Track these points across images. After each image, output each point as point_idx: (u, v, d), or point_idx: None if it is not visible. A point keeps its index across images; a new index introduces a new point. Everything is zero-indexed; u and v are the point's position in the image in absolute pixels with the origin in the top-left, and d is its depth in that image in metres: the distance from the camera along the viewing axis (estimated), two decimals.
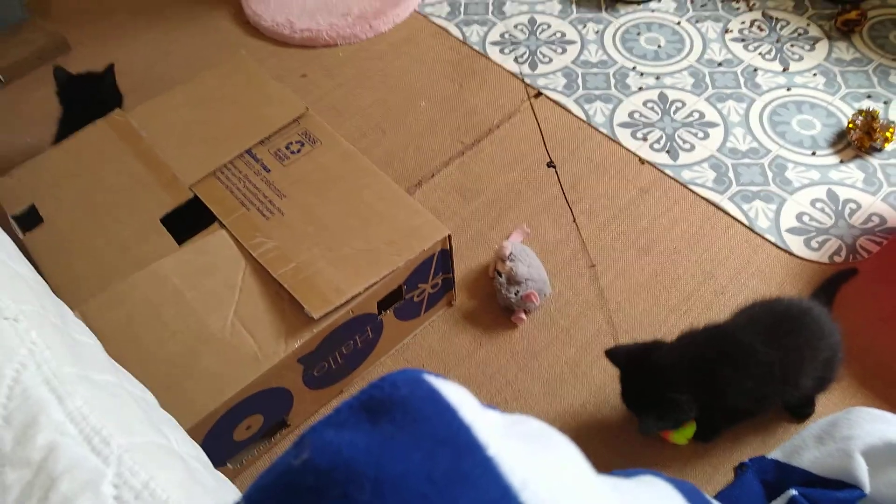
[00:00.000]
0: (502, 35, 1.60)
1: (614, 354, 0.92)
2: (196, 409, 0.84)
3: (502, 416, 0.34)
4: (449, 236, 1.01)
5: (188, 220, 1.06)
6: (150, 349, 0.90)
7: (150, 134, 1.17)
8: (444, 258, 1.04)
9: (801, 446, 0.89)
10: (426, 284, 1.05)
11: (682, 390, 0.85)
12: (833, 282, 1.07)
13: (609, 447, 0.98)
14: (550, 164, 1.18)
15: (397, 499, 0.27)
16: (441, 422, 0.31)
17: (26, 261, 0.70)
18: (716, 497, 0.90)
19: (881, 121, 1.26)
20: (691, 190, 1.26)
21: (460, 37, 1.60)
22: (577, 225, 1.18)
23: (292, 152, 1.12)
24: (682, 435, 0.94)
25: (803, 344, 0.88)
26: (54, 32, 1.65)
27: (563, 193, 1.22)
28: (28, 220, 1.07)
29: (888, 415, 0.85)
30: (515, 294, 1.07)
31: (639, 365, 0.90)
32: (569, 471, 0.32)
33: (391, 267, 0.95)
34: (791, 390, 0.90)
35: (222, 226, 1.03)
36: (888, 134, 1.25)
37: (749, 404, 0.91)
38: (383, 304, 1.00)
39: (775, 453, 0.91)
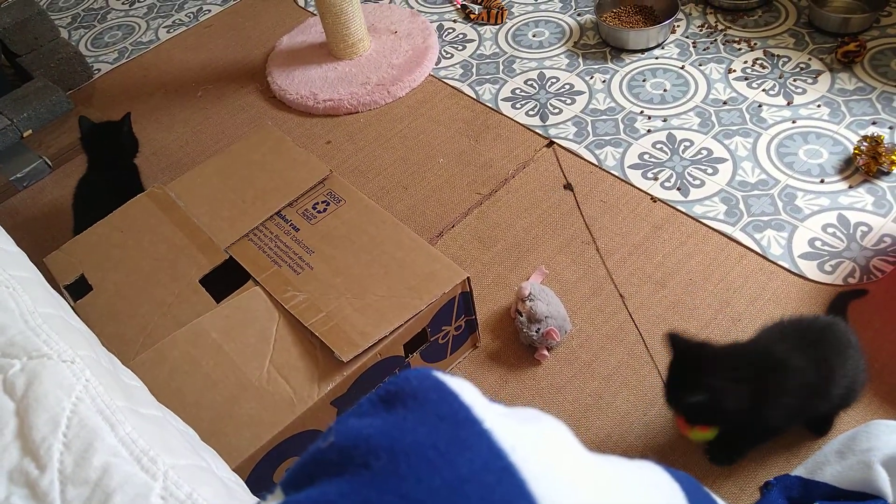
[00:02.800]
0: (513, 91, 1.68)
1: (675, 340, 0.93)
2: (238, 453, 0.89)
3: (502, 406, 0.39)
4: (468, 279, 1.06)
5: (225, 280, 1.13)
6: (192, 399, 0.96)
7: (187, 203, 1.26)
8: (465, 301, 1.09)
9: (823, 462, 0.90)
10: (449, 327, 1.10)
11: (726, 386, 0.86)
12: (841, 301, 1.09)
13: None
14: (567, 187, 1.23)
15: (408, 462, 0.33)
16: (444, 404, 0.37)
17: (80, 319, 0.77)
18: None
19: (886, 145, 1.29)
20: (703, 223, 1.29)
21: (473, 95, 1.69)
22: (598, 250, 1.21)
23: (318, 211, 1.19)
24: (702, 434, 0.95)
25: (831, 353, 0.90)
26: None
27: (583, 217, 1.26)
28: (78, 289, 1.16)
29: None
30: (536, 332, 1.11)
31: (693, 356, 0.91)
32: (557, 441, 0.37)
33: (414, 311, 1.00)
34: (822, 402, 0.91)
35: (256, 283, 1.10)
36: (894, 157, 1.28)
37: (783, 419, 0.92)
38: (410, 347, 1.05)
39: (799, 470, 0.92)
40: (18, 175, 1.67)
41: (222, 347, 1.01)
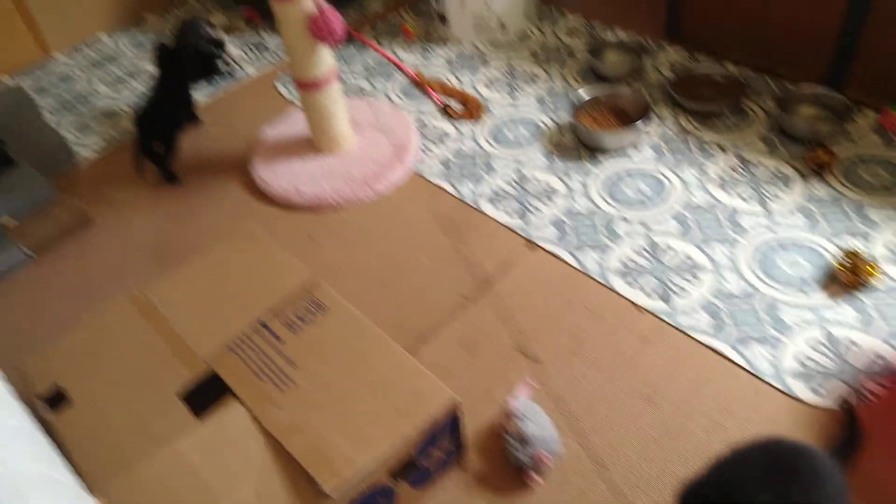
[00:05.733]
0: (493, 189, 1.69)
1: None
2: None
3: None
4: (457, 401, 1.04)
5: (205, 391, 1.10)
6: None
7: (168, 309, 1.23)
8: (453, 423, 1.06)
9: None
10: (437, 450, 1.07)
11: None
12: (852, 429, 1.08)
13: None
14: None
15: None
16: None
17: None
18: None
19: (865, 258, 1.32)
20: (690, 336, 1.29)
21: (455, 193, 1.70)
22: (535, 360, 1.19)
23: (301, 320, 1.17)
24: None
25: (797, 490, 0.88)
26: (78, 209, 1.75)
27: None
28: (54, 401, 1.11)
29: None
30: (526, 455, 1.08)
31: None
32: None
33: (402, 437, 0.97)
34: None
35: (238, 399, 1.06)
36: (873, 270, 1.30)
37: None
38: (396, 473, 1.01)
39: None
40: None
41: (201, 474, 0.97)
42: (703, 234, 1.50)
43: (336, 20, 1.57)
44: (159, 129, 1.80)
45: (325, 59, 1.67)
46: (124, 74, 2.35)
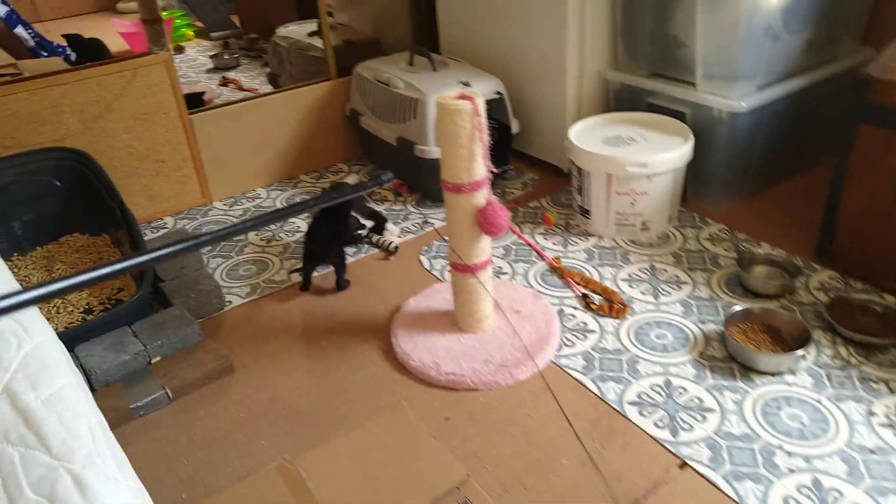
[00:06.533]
0: (639, 395, 1.64)
1: None
2: None
3: None
4: None
5: None
6: None
7: (316, 485, 1.22)
8: None
9: None
10: None
11: None
12: None
13: None
14: None
15: None
16: None
17: None
18: None
19: None
20: None
21: (597, 392, 1.66)
22: None
23: None
24: None
25: None
26: (223, 356, 1.81)
27: None
28: None
29: None
30: None
31: None
32: None
33: None
34: None
35: None
36: None
37: None
38: None
39: None
40: (138, 403, 1.67)
41: None
42: (874, 481, 1.38)
43: (503, 215, 1.65)
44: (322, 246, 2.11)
45: (485, 247, 1.73)
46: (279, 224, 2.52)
